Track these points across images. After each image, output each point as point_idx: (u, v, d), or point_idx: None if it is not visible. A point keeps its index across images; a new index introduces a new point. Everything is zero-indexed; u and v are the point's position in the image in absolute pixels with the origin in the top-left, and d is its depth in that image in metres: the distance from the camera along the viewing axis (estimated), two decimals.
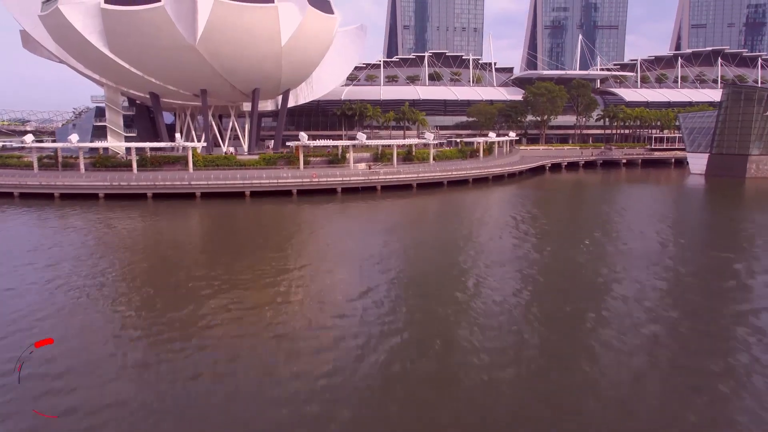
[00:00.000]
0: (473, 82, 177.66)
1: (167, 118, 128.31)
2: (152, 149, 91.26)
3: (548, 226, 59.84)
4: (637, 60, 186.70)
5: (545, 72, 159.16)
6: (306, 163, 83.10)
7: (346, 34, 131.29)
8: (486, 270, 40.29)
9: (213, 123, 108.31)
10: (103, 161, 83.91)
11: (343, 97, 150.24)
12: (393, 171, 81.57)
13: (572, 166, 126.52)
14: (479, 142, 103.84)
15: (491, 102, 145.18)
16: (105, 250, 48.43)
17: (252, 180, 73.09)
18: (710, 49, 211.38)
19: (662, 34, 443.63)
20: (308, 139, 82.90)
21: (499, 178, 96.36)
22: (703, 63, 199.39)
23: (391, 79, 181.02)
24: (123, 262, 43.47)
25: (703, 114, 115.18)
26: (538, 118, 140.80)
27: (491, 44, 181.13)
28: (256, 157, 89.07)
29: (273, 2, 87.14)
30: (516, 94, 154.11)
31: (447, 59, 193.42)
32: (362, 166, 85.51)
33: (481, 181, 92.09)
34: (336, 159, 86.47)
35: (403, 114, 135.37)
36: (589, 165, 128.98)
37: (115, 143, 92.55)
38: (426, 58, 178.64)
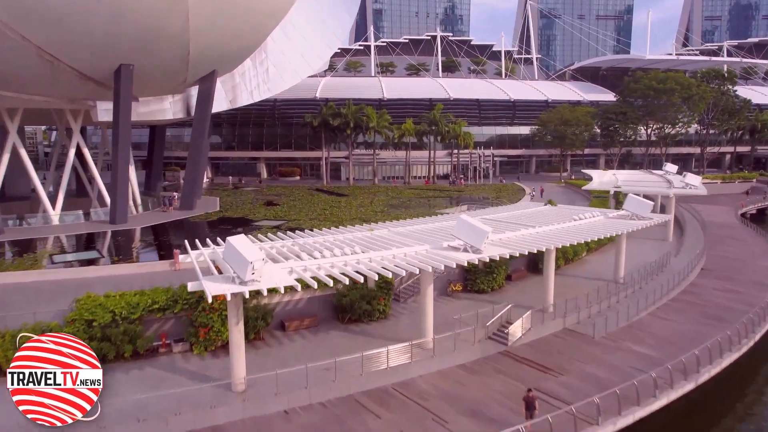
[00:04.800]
0: (505, 75, 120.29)
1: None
2: None
3: None
4: (722, 45, 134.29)
5: (648, 56, 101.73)
6: (253, 336, 22.29)
7: None
8: None
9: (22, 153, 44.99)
10: None
11: (318, 95, 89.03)
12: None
13: None
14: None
15: (573, 104, 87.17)
16: None
17: None
18: None
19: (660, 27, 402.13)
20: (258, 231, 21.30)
21: None
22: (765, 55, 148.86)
23: (386, 69, 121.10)
24: None
25: None
26: (656, 131, 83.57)
27: (530, 18, 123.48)
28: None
29: None
30: (598, 92, 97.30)
31: (450, 45, 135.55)
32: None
33: None
34: (370, 309, 25.10)
35: (430, 125, 75.78)
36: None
37: None
38: (438, 39, 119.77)
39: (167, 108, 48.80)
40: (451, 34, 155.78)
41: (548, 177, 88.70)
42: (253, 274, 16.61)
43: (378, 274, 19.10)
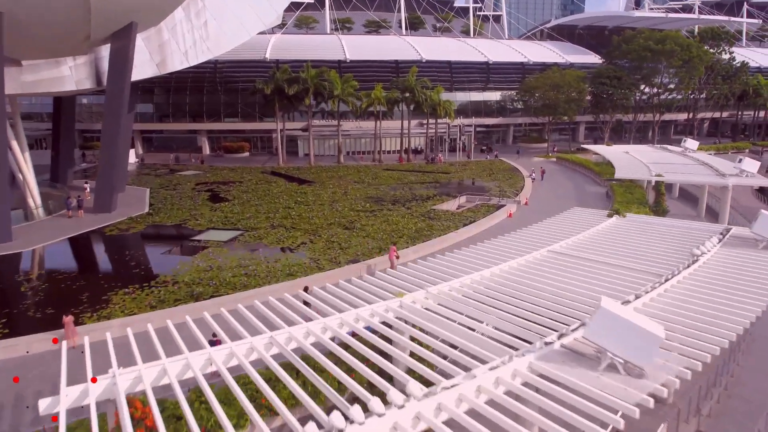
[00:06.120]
0: (475, 33, 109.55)
1: None
2: None
3: None
4: (693, 3, 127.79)
5: (638, 13, 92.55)
6: None
7: None
8: None
9: None
10: None
11: (268, 56, 75.69)
12: None
13: None
14: None
15: (560, 66, 77.62)
16: None
17: None
18: None
19: None
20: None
21: None
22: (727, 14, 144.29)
23: (342, 26, 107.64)
24: None
25: None
26: (645, 96, 75.81)
27: None
28: None
29: None
30: (579, 53, 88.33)
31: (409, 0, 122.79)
32: None
33: None
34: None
35: (404, 91, 64.84)
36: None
37: None
38: None
39: (66, 75, 35.51)
40: None
41: (530, 149, 79.82)
42: None
43: None
